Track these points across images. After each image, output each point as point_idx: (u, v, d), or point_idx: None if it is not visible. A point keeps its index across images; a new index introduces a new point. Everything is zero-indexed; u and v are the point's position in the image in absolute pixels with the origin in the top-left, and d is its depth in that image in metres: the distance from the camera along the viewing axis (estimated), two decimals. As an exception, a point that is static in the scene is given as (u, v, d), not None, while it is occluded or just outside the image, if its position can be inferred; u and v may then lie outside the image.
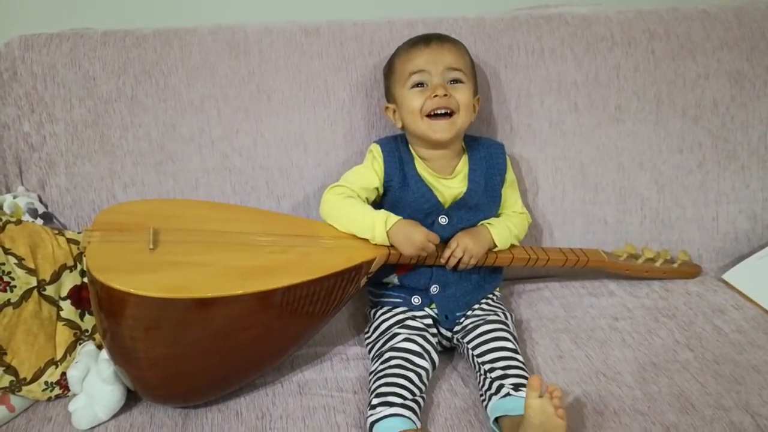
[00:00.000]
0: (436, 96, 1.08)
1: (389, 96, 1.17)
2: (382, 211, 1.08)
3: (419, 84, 1.10)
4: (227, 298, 0.90)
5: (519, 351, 1.04)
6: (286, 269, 0.96)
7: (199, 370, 0.96)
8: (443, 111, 1.09)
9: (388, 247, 1.06)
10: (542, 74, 1.28)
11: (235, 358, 0.98)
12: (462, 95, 1.10)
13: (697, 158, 1.32)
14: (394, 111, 1.15)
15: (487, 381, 1.00)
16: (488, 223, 1.14)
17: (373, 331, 1.11)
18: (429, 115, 1.09)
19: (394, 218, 1.07)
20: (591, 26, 1.29)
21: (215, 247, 0.98)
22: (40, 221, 1.16)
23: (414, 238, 1.05)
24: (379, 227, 1.05)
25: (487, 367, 1.01)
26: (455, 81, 1.10)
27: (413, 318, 1.09)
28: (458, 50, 1.12)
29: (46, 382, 1.01)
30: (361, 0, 1.50)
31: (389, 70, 1.16)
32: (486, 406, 0.98)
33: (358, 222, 1.07)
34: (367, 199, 1.12)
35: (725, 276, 1.30)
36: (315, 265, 0.98)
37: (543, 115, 1.28)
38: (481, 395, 1.00)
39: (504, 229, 1.14)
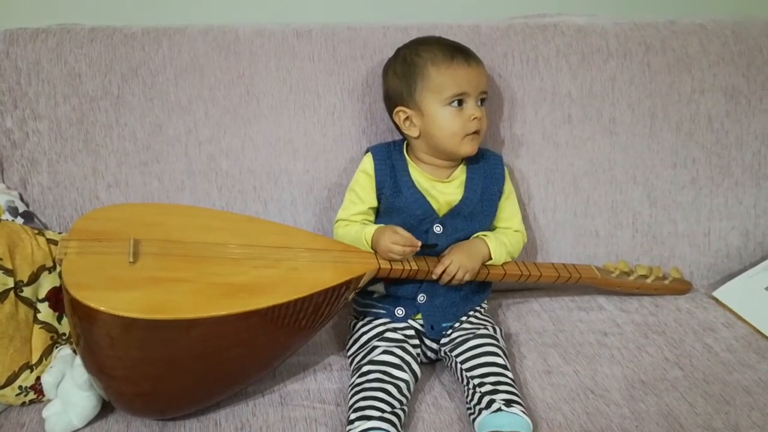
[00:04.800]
0: (475, 119, 1.08)
1: (406, 100, 1.10)
2: (368, 226, 1.10)
3: (458, 102, 1.08)
4: (210, 319, 0.87)
5: (509, 367, 1.02)
6: (273, 286, 0.93)
7: (177, 388, 0.94)
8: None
9: (377, 260, 1.05)
10: (536, 84, 1.26)
11: (216, 375, 0.95)
12: (486, 113, 1.11)
13: (690, 173, 1.31)
14: (408, 117, 1.11)
15: (476, 395, 0.98)
16: (484, 236, 1.12)
17: (353, 344, 1.09)
18: None
19: (371, 230, 1.08)
20: (587, 37, 1.28)
21: (199, 261, 0.95)
22: (20, 220, 1.14)
23: (379, 244, 1.05)
24: (365, 246, 1.08)
25: (476, 381, 1.00)
26: (483, 100, 1.11)
27: (393, 330, 1.08)
28: (485, 70, 1.13)
29: (20, 387, 0.98)
30: (355, 4, 1.48)
31: (417, 75, 1.09)
32: (474, 420, 0.96)
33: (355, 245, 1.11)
34: (367, 221, 1.14)
35: (716, 293, 1.29)
36: (302, 281, 0.96)
37: (536, 126, 1.27)
38: (469, 409, 0.99)
39: (500, 243, 1.12)
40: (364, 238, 1.08)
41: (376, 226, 1.09)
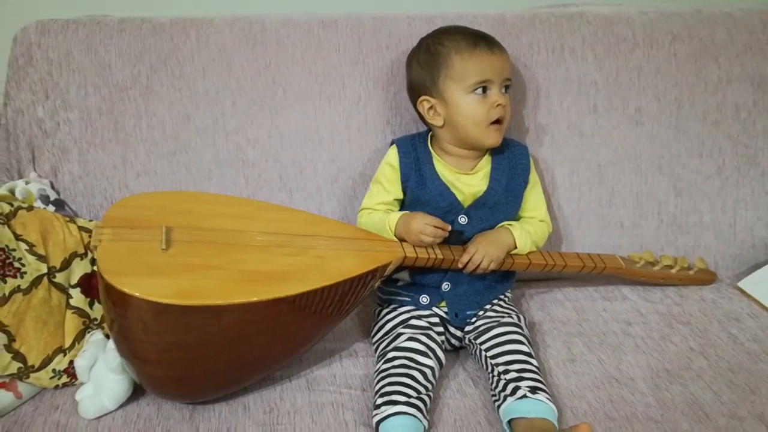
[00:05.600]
0: (499, 105, 1.08)
1: (430, 89, 1.11)
2: (392, 213, 1.11)
3: (482, 90, 1.08)
4: (240, 306, 0.89)
5: (533, 355, 1.03)
6: (301, 274, 0.95)
7: (208, 372, 0.95)
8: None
9: (403, 249, 1.06)
10: (562, 74, 1.26)
11: (245, 360, 0.97)
12: (510, 101, 1.11)
13: (716, 163, 1.30)
14: (432, 107, 1.12)
15: (501, 382, 0.99)
16: (509, 225, 1.13)
17: (378, 331, 1.10)
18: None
19: (396, 217, 1.09)
20: (613, 26, 1.28)
21: (229, 249, 0.97)
22: (51, 208, 1.16)
23: (411, 226, 1.06)
24: (388, 233, 1.09)
25: (501, 368, 1.00)
26: (507, 87, 1.11)
27: (418, 317, 1.09)
28: (508, 58, 1.13)
29: (53, 370, 1.00)
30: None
31: (441, 64, 1.09)
32: (499, 407, 0.97)
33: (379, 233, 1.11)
34: (390, 210, 1.14)
35: (741, 284, 1.28)
36: (330, 269, 0.97)
37: (561, 116, 1.27)
38: (494, 395, 0.99)
39: (525, 233, 1.12)
40: (388, 225, 1.09)
41: (400, 213, 1.10)
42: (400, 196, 1.14)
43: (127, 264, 0.90)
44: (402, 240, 1.08)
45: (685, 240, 1.31)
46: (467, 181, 1.13)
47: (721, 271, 1.33)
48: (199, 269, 0.92)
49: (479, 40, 1.10)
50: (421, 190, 1.11)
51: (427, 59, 1.11)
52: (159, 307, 0.86)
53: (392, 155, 1.14)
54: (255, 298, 0.89)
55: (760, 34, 1.30)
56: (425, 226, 1.05)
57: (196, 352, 0.92)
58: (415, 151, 1.14)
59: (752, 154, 1.30)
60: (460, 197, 1.11)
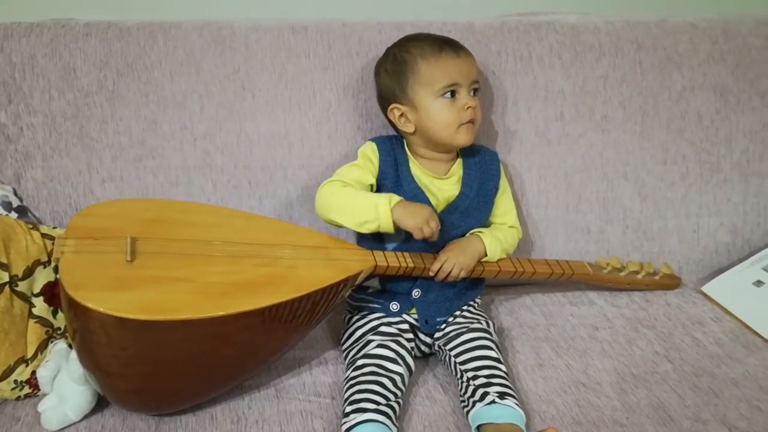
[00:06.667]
0: (468, 108, 1.09)
1: (399, 97, 1.11)
2: (385, 194, 1.07)
3: (450, 94, 1.09)
4: (208, 320, 0.87)
5: (502, 361, 1.04)
6: (272, 285, 0.93)
7: (173, 386, 0.94)
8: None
9: (374, 258, 1.05)
10: (530, 81, 1.27)
11: (212, 373, 0.95)
12: (479, 104, 1.12)
13: (680, 170, 1.33)
14: (402, 114, 1.12)
15: (470, 388, 0.99)
16: (480, 233, 1.13)
17: (348, 338, 1.10)
18: None
19: (398, 197, 1.06)
20: (579, 35, 1.30)
21: (196, 260, 0.95)
22: (14, 215, 1.14)
23: (422, 209, 1.04)
24: (382, 206, 1.04)
25: (470, 374, 1.01)
26: (475, 90, 1.12)
27: (388, 324, 1.08)
28: (475, 61, 1.14)
29: (15, 381, 0.98)
30: (351, 0, 1.48)
31: (408, 71, 1.10)
32: (468, 413, 0.97)
33: (359, 205, 1.06)
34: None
35: (704, 288, 1.31)
36: (301, 280, 0.96)
37: (529, 123, 1.28)
38: (463, 401, 1.00)
39: (495, 240, 1.13)
40: (389, 198, 1.04)
41: (401, 197, 1.07)
42: (375, 187, 1.13)
43: (90, 277, 0.88)
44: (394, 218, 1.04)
45: (650, 246, 1.34)
46: (440, 185, 1.14)
47: (685, 276, 1.35)
48: (165, 282, 0.90)
49: (444, 45, 1.11)
50: (396, 191, 1.10)
51: (395, 67, 1.12)
52: (123, 322, 0.84)
53: (370, 149, 1.14)
54: (224, 312, 0.88)
55: (722, 43, 1.33)
56: (432, 220, 1.03)
57: (162, 366, 0.90)
58: (394, 152, 1.14)
59: (715, 161, 1.33)
60: (433, 202, 1.12)
